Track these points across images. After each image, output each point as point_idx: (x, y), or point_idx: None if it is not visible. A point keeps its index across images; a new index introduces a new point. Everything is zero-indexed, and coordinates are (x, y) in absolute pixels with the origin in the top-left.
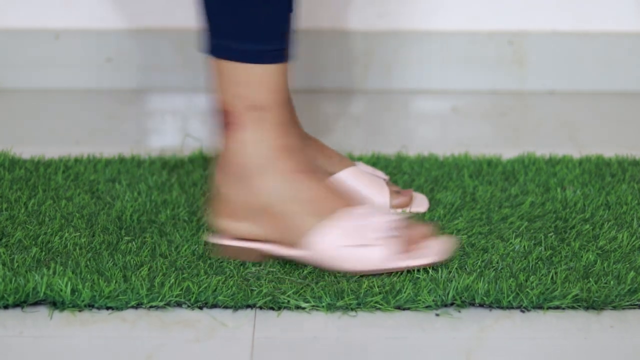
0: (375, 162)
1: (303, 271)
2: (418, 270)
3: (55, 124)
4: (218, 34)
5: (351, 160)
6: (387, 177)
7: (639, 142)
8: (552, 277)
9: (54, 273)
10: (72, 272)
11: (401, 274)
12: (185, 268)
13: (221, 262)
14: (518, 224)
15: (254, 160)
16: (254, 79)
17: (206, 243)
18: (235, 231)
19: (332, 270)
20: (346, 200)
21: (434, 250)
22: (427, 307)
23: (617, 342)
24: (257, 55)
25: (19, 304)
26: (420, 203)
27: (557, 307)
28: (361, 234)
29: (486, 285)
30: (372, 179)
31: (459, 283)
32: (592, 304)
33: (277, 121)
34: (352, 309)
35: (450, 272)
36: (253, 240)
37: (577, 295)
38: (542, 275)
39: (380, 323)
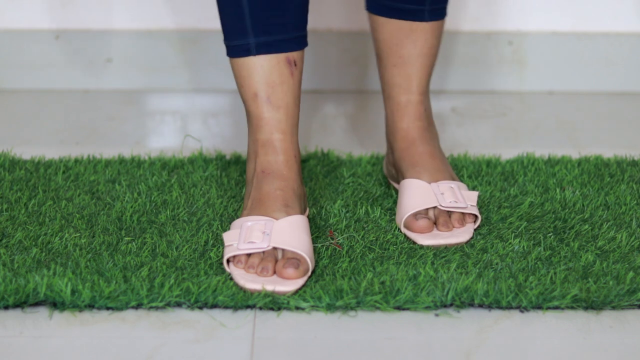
0: (375, 162)
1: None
2: (418, 271)
3: (55, 125)
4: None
5: (350, 160)
6: None
7: (638, 143)
8: (551, 278)
9: (54, 274)
10: (72, 273)
11: (400, 273)
12: (185, 268)
13: (221, 262)
14: (517, 224)
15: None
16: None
17: None
18: None
19: None
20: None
21: None
22: (426, 307)
23: (616, 342)
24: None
25: (19, 304)
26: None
27: (556, 307)
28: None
29: (485, 285)
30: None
31: (458, 284)
32: (592, 304)
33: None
34: (351, 309)
35: (449, 272)
36: None
37: (576, 295)
38: (541, 275)
39: (379, 323)
